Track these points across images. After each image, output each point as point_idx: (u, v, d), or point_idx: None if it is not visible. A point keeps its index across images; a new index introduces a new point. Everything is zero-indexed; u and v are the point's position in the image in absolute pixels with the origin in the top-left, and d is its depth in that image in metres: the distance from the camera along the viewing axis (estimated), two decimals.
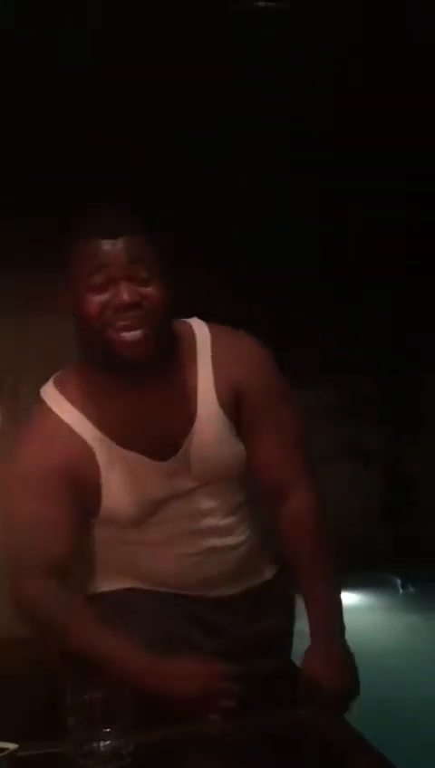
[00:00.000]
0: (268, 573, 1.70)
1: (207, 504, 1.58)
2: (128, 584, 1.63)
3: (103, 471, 1.52)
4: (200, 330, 1.59)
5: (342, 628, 1.57)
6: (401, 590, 5.80)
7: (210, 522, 1.59)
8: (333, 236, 4.45)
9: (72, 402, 1.52)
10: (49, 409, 1.53)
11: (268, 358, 1.61)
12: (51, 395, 1.55)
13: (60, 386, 1.55)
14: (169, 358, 1.52)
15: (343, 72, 3.12)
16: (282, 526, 1.61)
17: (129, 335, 1.42)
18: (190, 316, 1.63)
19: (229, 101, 3.20)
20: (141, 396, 1.51)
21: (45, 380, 1.60)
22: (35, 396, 1.58)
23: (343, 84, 3.23)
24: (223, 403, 1.54)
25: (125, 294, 1.41)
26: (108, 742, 1.28)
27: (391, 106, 3.51)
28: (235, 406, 1.55)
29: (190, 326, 1.59)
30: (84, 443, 1.51)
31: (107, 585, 1.65)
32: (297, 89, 3.12)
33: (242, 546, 1.63)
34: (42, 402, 1.55)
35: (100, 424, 1.51)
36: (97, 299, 1.42)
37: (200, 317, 1.63)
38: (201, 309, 1.74)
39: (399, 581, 4.80)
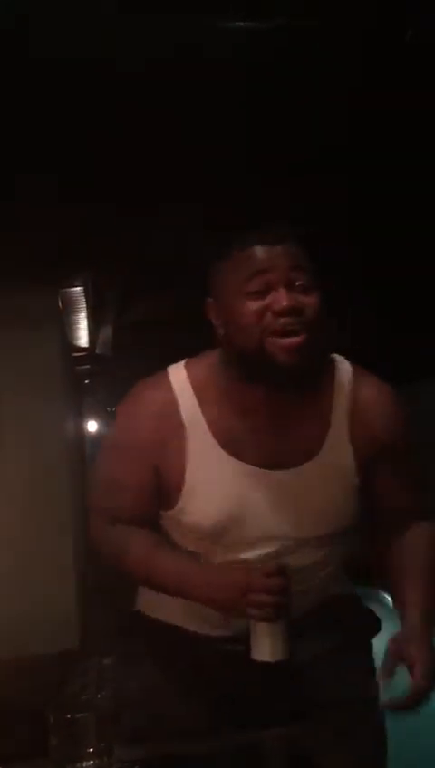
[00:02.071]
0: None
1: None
2: (178, 621, 1.58)
3: (191, 466, 1.48)
4: (343, 365, 1.55)
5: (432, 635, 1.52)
6: (392, 604, 5.79)
7: (294, 560, 1.49)
8: (331, 254, 4.44)
9: (194, 387, 1.49)
10: (167, 380, 1.51)
11: (403, 410, 1.57)
12: (176, 371, 1.53)
13: (188, 368, 1.53)
14: (310, 381, 1.48)
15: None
16: (400, 549, 1.57)
17: (288, 340, 1.38)
18: None
19: None
20: (271, 412, 1.47)
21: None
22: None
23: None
24: (355, 444, 1.50)
25: (285, 300, 1.38)
26: (90, 761, 1.28)
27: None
28: (367, 455, 1.51)
29: (332, 358, 1.55)
30: (184, 428, 1.48)
31: (161, 613, 1.61)
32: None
33: (311, 593, 1.56)
34: (165, 372, 1.53)
35: (210, 420, 1.48)
36: (255, 305, 1.39)
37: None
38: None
39: (389, 595, 4.80)
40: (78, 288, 4.37)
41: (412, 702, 1.42)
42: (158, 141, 2.81)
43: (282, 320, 1.38)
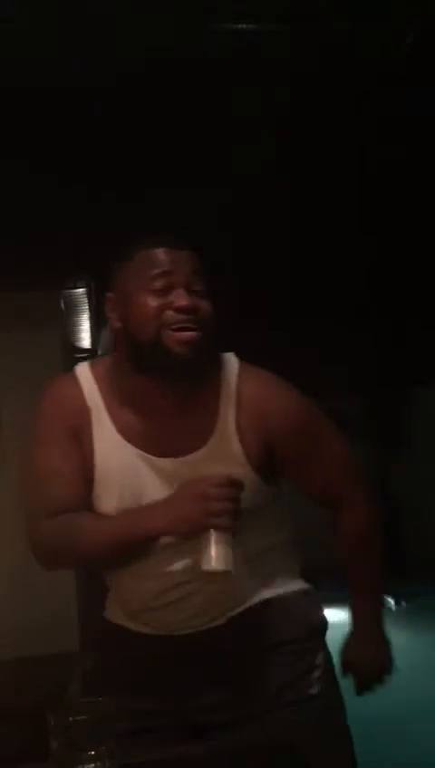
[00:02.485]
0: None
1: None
2: (120, 619, 1.68)
3: (98, 453, 1.58)
4: (230, 361, 1.66)
5: (382, 619, 1.71)
6: (393, 607, 5.79)
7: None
8: (331, 265, 4.46)
9: (96, 379, 1.62)
10: (74, 375, 1.65)
11: (295, 400, 1.66)
12: (81, 368, 1.66)
13: (92, 364, 1.67)
14: (201, 376, 1.59)
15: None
16: (341, 534, 1.70)
17: (184, 335, 1.52)
18: None
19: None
20: (163, 403, 1.58)
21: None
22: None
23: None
24: (241, 434, 1.59)
25: (184, 300, 1.53)
26: (92, 765, 1.26)
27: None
28: (258, 444, 1.60)
29: (221, 356, 1.66)
30: (90, 414, 1.60)
31: (110, 613, 1.71)
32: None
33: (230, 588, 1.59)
34: (73, 370, 1.66)
35: (110, 409, 1.60)
36: (157, 301, 1.53)
37: None
38: None
39: (391, 598, 4.78)
40: (80, 289, 4.37)
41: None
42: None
43: (180, 316, 1.52)
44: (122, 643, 1.68)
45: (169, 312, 1.52)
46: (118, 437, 1.58)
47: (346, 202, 3.65)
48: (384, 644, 1.71)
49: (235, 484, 1.46)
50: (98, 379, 1.63)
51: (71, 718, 1.28)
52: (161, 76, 2.49)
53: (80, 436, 1.59)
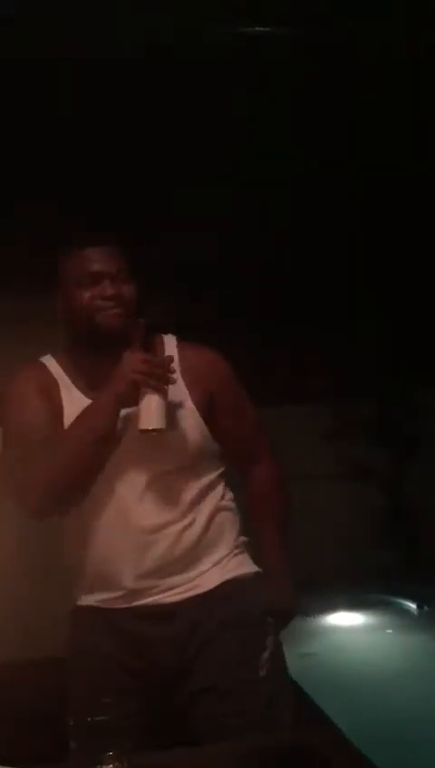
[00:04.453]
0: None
1: (150, 472, 1.78)
2: (90, 597, 1.83)
3: (67, 414, 1.80)
4: (169, 337, 1.95)
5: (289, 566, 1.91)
6: (416, 611, 5.74)
7: (152, 496, 1.78)
8: (334, 264, 4.47)
9: (57, 360, 1.89)
10: (36, 360, 1.91)
11: (226, 364, 1.96)
12: (43, 357, 1.91)
13: (52, 353, 1.91)
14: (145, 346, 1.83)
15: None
16: (251, 491, 1.95)
17: (109, 313, 1.81)
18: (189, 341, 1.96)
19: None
20: (112, 367, 1.77)
21: None
22: None
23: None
24: (192, 395, 1.85)
25: (110, 289, 1.81)
26: (110, 765, 1.26)
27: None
28: (205, 408, 1.86)
29: (159, 334, 1.94)
30: (57, 383, 1.85)
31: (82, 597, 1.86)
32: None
33: (185, 537, 1.79)
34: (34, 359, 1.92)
35: (72, 377, 1.85)
36: (89, 293, 1.81)
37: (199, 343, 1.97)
38: (199, 335, 1.96)
39: (413, 602, 4.74)
40: None
41: None
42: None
43: (107, 303, 1.81)
44: (97, 622, 1.81)
45: (99, 301, 1.81)
46: (85, 399, 1.80)
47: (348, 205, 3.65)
48: (292, 588, 1.89)
49: (159, 357, 1.77)
50: (59, 361, 1.88)
51: (89, 719, 1.28)
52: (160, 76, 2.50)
53: (50, 401, 1.82)
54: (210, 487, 1.86)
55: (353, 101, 2.96)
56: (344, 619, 4.22)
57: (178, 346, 1.92)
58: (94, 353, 1.85)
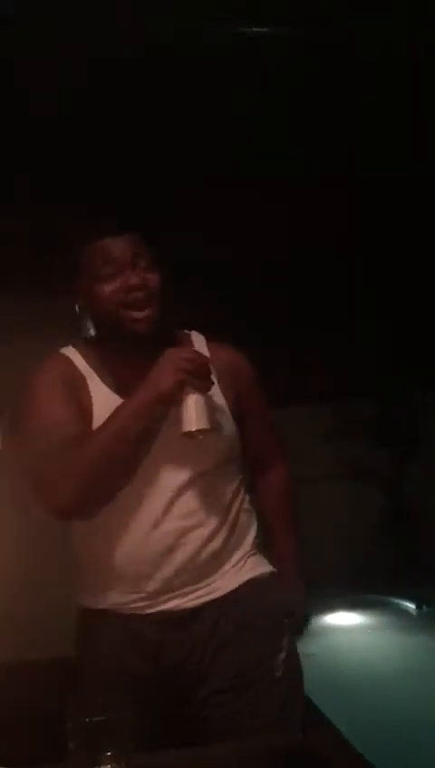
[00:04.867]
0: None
1: (185, 474, 1.72)
2: (103, 599, 1.76)
3: (96, 410, 1.71)
4: (197, 336, 1.90)
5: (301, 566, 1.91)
6: (414, 612, 5.74)
7: (185, 498, 1.72)
8: (334, 264, 4.47)
9: (81, 353, 1.79)
10: (60, 352, 1.81)
11: (252, 367, 1.93)
12: (65, 348, 1.82)
13: (74, 344, 1.82)
14: (168, 337, 1.79)
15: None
16: (269, 491, 1.95)
17: (137, 314, 1.72)
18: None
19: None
20: (141, 363, 1.69)
21: None
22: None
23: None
24: (224, 393, 1.81)
25: (134, 278, 1.71)
26: (108, 766, 1.26)
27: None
28: (235, 406, 1.83)
29: (189, 334, 1.90)
30: (84, 378, 1.75)
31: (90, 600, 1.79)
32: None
33: (213, 541, 1.74)
34: (57, 351, 1.82)
35: (99, 373, 1.76)
36: (110, 286, 1.72)
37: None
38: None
39: (412, 602, 4.74)
40: None
41: None
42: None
43: (132, 294, 1.71)
44: (110, 626, 1.75)
45: (122, 293, 1.71)
46: (114, 396, 1.72)
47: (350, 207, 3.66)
48: (302, 587, 1.89)
49: (203, 356, 1.70)
50: (81, 351, 1.79)
51: (87, 719, 1.28)
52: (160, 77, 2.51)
53: (78, 395, 1.73)
54: (237, 490, 1.82)
55: (353, 101, 2.98)
56: (344, 620, 4.24)
57: (208, 345, 1.87)
58: (122, 348, 1.76)
